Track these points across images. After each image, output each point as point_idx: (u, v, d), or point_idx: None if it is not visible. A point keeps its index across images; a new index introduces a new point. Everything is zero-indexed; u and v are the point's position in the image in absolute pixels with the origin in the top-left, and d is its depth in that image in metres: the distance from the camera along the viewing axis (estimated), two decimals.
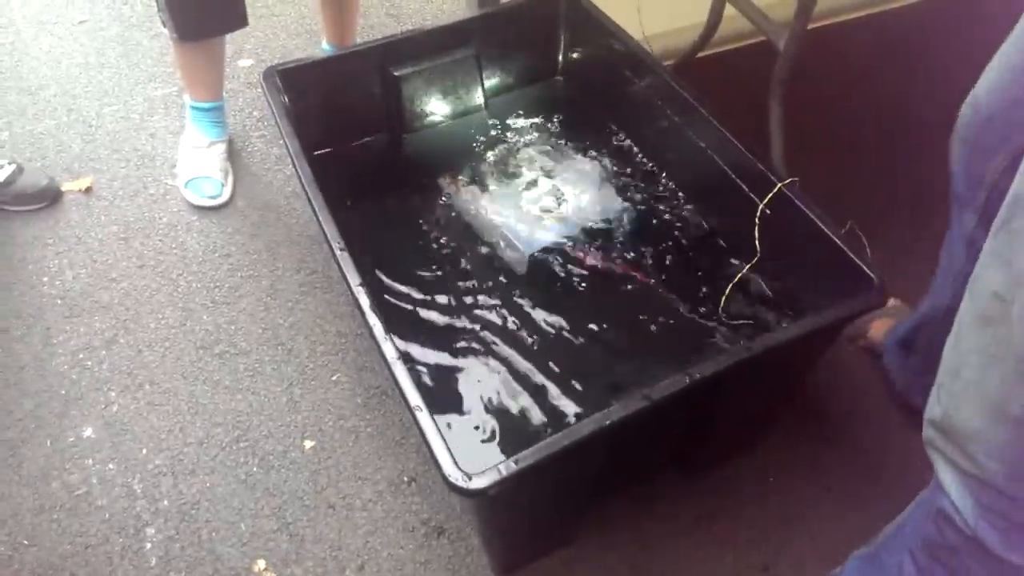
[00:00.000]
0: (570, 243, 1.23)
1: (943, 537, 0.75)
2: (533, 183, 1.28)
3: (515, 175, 1.28)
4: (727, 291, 1.11)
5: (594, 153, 1.36)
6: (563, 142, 1.38)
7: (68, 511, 1.18)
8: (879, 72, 1.81)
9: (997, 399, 0.65)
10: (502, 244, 1.22)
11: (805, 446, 1.22)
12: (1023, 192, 0.60)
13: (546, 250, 1.22)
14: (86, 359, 1.35)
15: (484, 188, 1.26)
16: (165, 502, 1.18)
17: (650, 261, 1.21)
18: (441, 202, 1.32)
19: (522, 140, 1.39)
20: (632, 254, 1.22)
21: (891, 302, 1.32)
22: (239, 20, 1.45)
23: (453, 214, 1.30)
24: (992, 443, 0.66)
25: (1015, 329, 0.62)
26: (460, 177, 1.32)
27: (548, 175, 1.28)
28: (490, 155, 1.32)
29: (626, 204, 1.24)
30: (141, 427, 1.27)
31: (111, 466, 1.22)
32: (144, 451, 1.24)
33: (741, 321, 1.12)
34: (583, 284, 1.20)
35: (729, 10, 1.45)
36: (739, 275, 1.12)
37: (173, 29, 1.38)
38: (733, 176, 1.13)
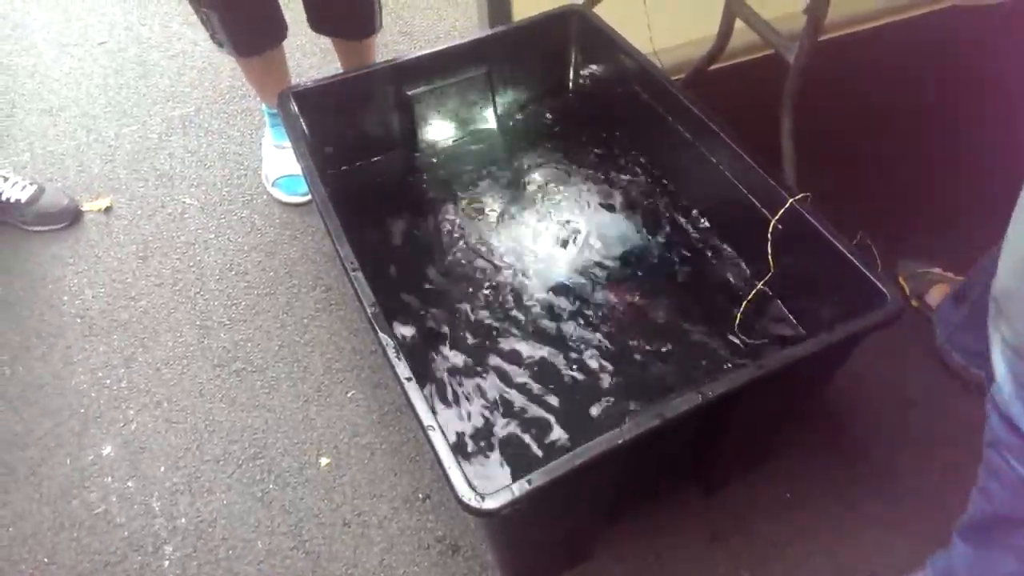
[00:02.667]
0: (584, 279, 1.23)
1: (991, 432, 0.79)
2: (547, 213, 1.29)
3: (530, 201, 1.29)
4: (741, 309, 1.11)
5: (606, 171, 1.37)
6: (575, 160, 1.39)
7: (88, 529, 1.19)
8: (889, 83, 1.81)
9: None
10: (517, 275, 1.24)
11: (822, 462, 1.21)
12: None
13: (561, 286, 1.22)
14: (105, 377, 1.37)
15: (500, 219, 1.27)
16: (183, 520, 1.20)
17: (664, 282, 1.21)
18: (456, 221, 1.33)
19: (535, 159, 1.40)
20: (645, 277, 1.22)
21: (953, 276, 1.36)
22: (283, 30, 1.50)
23: (467, 236, 1.31)
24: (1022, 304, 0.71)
25: None
26: (474, 205, 1.33)
27: (561, 203, 1.29)
28: (503, 177, 1.33)
29: (640, 227, 1.24)
30: (159, 445, 1.28)
31: (130, 484, 1.24)
32: (162, 469, 1.25)
33: (755, 340, 1.12)
34: (599, 313, 1.20)
35: (739, 23, 1.45)
36: (753, 293, 1.11)
37: (231, 48, 1.44)
38: (744, 191, 1.13)
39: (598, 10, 1.41)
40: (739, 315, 1.11)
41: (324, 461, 1.25)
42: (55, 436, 1.30)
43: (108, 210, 1.65)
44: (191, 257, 1.55)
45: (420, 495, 1.21)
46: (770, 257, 1.07)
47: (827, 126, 1.65)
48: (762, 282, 1.10)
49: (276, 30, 1.48)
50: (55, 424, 1.31)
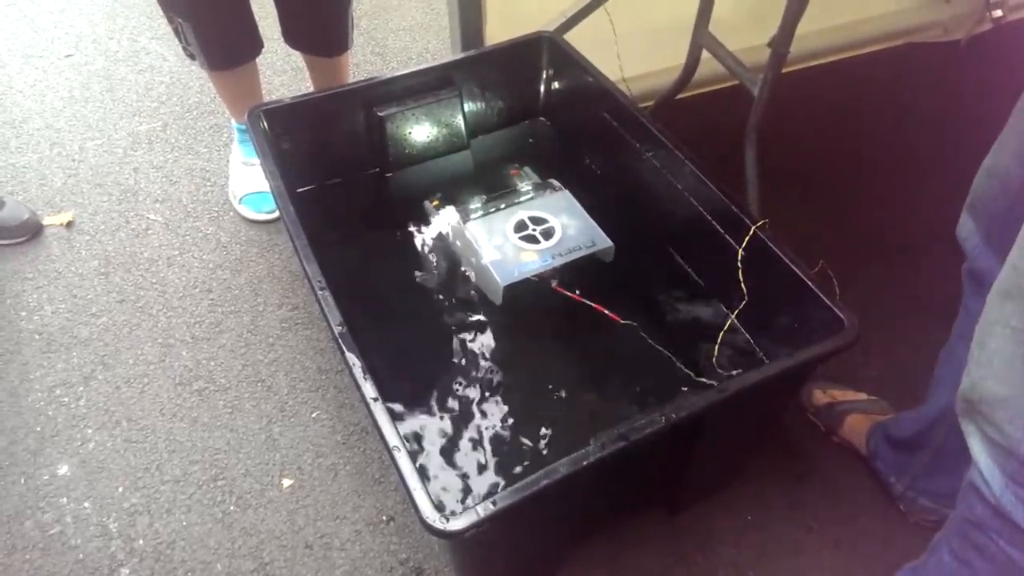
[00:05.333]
0: (548, 275, 1.23)
1: (973, 513, 0.77)
2: (515, 216, 1.29)
3: (498, 209, 1.29)
4: (718, 342, 1.11)
5: (575, 193, 1.38)
6: (544, 183, 1.40)
7: (41, 551, 1.16)
8: (849, 116, 1.87)
9: (1019, 368, 0.68)
10: (481, 273, 1.23)
11: (783, 485, 1.23)
12: None
13: (525, 282, 1.22)
14: (63, 395, 1.34)
15: (467, 217, 1.27)
16: (140, 542, 1.17)
17: (626, 300, 1.23)
18: (425, 240, 1.33)
19: (504, 181, 1.41)
20: (608, 292, 1.23)
21: (864, 396, 1.28)
22: (259, 45, 1.49)
23: (435, 247, 1.31)
24: (1016, 411, 0.69)
25: None
26: (443, 223, 1.33)
27: (531, 209, 1.29)
28: (473, 197, 1.34)
29: (607, 242, 1.25)
30: (117, 465, 1.25)
31: (86, 505, 1.21)
32: (120, 489, 1.23)
33: (720, 364, 1.13)
34: (562, 317, 1.20)
35: (706, 54, 1.49)
36: (728, 324, 1.12)
37: (204, 62, 1.43)
38: (709, 218, 1.15)
39: (569, 37, 1.43)
40: (716, 347, 1.12)
41: (287, 482, 1.24)
42: (9, 455, 1.26)
43: (70, 225, 1.62)
44: (154, 274, 1.53)
45: (384, 517, 1.20)
46: (743, 285, 1.09)
47: (789, 156, 1.69)
48: (735, 312, 1.12)
49: (251, 44, 1.47)
50: (9, 443, 1.28)
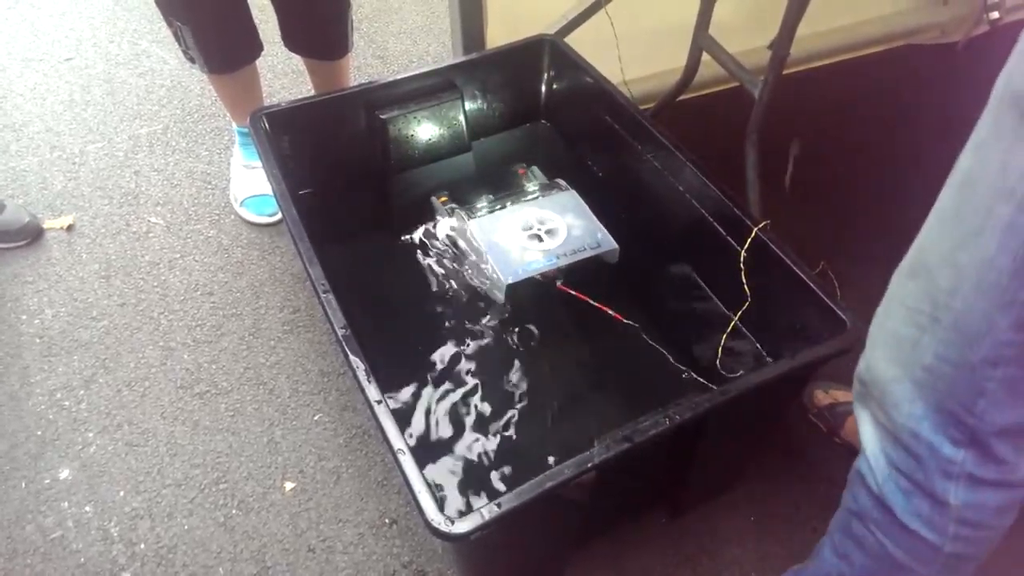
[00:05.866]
0: (553, 274, 1.23)
1: (857, 503, 0.78)
2: (521, 215, 1.28)
3: (504, 207, 1.29)
4: (721, 343, 1.11)
5: (577, 194, 1.38)
6: (546, 184, 1.40)
7: (42, 555, 1.16)
8: (849, 117, 1.87)
9: (911, 347, 0.68)
10: (485, 271, 1.23)
11: (787, 486, 1.23)
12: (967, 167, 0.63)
13: (529, 282, 1.22)
14: (64, 399, 1.34)
15: (472, 215, 1.28)
16: (142, 546, 1.17)
17: (628, 301, 1.23)
18: (427, 243, 1.33)
19: (506, 183, 1.41)
20: (610, 292, 1.23)
21: None
22: (258, 48, 1.50)
23: (437, 249, 1.31)
24: (903, 393, 0.70)
25: (935, 280, 0.65)
26: (445, 225, 1.33)
27: (537, 208, 1.29)
28: (474, 199, 1.34)
29: (612, 243, 1.25)
30: (119, 468, 1.25)
31: (87, 509, 1.21)
32: (121, 493, 1.22)
33: (723, 364, 1.14)
34: (566, 318, 1.20)
35: (706, 56, 1.49)
36: (731, 325, 1.12)
37: (203, 65, 1.42)
38: (710, 219, 1.16)
39: (570, 40, 1.44)
40: (720, 350, 1.12)
41: (289, 486, 1.23)
42: (10, 459, 1.26)
43: (70, 228, 1.62)
44: (155, 277, 1.53)
45: (387, 520, 1.19)
46: (746, 287, 1.09)
47: (790, 158, 1.69)
48: (738, 314, 1.12)
49: (251, 47, 1.47)
50: (10, 447, 1.28)
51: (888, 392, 0.72)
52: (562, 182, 1.34)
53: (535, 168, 1.43)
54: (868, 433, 0.76)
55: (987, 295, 0.61)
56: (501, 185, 1.40)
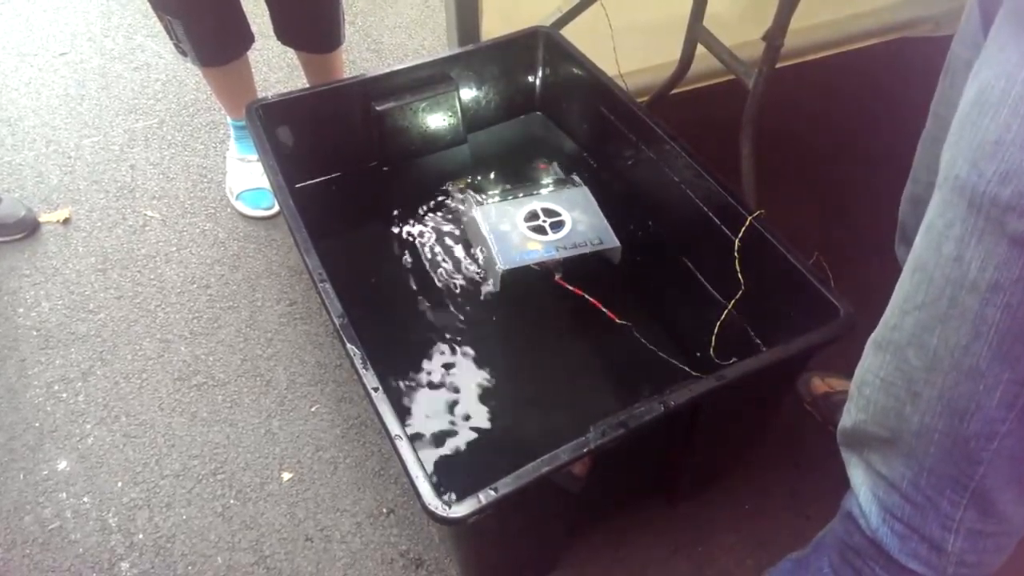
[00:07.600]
0: (551, 266, 1.24)
1: (852, 540, 0.77)
2: (529, 206, 1.29)
3: (515, 197, 1.30)
4: (715, 332, 1.12)
5: (574, 184, 1.39)
6: (541, 175, 1.41)
7: (41, 545, 1.16)
8: (842, 109, 1.88)
9: (895, 416, 0.67)
10: (485, 256, 1.24)
11: (782, 474, 1.24)
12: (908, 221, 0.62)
13: (527, 272, 1.23)
14: (61, 391, 1.34)
15: (481, 202, 1.29)
16: (140, 536, 1.17)
17: (624, 293, 1.23)
18: (423, 234, 1.34)
19: (502, 174, 1.42)
20: (607, 283, 1.24)
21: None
22: (250, 39, 1.49)
23: (434, 249, 1.32)
24: (896, 453, 0.69)
25: (907, 359, 0.64)
26: (441, 217, 1.34)
27: (546, 201, 1.29)
28: (470, 191, 1.35)
29: (615, 242, 1.26)
30: (117, 459, 1.26)
31: (85, 499, 1.21)
32: (119, 484, 1.23)
33: (714, 355, 1.14)
34: (563, 311, 1.21)
35: (701, 49, 1.50)
36: (724, 313, 1.13)
37: (195, 58, 1.42)
38: (706, 210, 1.16)
39: (565, 32, 1.44)
40: (713, 338, 1.12)
41: (286, 476, 1.24)
42: (8, 451, 1.26)
43: (67, 222, 1.62)
44: (152, 270, 1.53)
45: (384, 509, 1.20)
46: (739, 275, 1.09)
47: (784, 150, 1.70)
48: (732, 302, 1.13)
49: (241, 39, 1.47)
50: (9, 438, 1.28)
51: (878, 450, 0.70)
52: (576, 178, 1.35)
53: (556, 164, 1.43)
54: (860, 479, 0.74)
55: (969, 378, 0.59)
56: (498, 177, 1.41)
